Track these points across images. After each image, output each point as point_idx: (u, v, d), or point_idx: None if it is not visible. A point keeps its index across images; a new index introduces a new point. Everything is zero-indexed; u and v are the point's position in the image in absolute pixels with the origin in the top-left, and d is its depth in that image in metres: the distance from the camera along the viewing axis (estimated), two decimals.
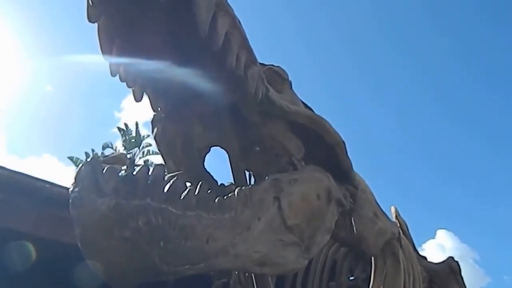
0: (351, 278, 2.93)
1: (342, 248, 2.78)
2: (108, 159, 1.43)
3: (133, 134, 4.66)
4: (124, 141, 4.80)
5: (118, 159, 1.43)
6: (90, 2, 1.10)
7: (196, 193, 1.14)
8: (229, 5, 1.22)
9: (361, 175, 2.40)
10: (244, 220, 1.26)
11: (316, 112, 1.74)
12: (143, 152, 4.56)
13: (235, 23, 1.24)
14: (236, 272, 2.28)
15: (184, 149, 1.68)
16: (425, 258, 3.22)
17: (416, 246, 3.15)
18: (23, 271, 2.90)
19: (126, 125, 4.81)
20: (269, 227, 1.36)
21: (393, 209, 3.30)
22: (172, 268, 1.05)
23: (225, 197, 1.25)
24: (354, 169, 1.85)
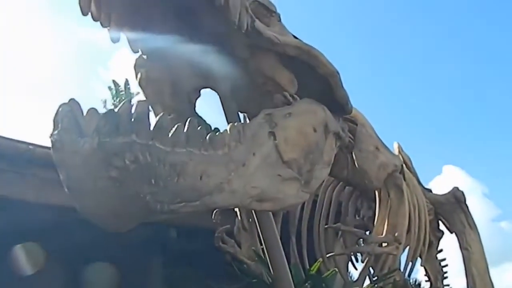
0: (357, 218, 2.95)
1: (347, 189, 2.77)
2: None
3: (124, 91, 4.56)
4: (113, 98, 4.70)
5: None
6: None
7: (185, 130, 1.09)
8: None
9: (359, 110, 2.35)
10: (238, 156, 1.21)
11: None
12: None
13: None
14: (240, 218, 2.28)
15: (172, 94, 1.61)
16: (430, 190, 3.23)
17: (423, 183, 3.15)
18: (12, 239, 2.90)
19: (114, 82, 4.70)
20: (266, 163, 1.31)
21: (395, 144, 3.27)
22: (166, 206, 1.01)
23: (217, 134, 1.20)
24: (353, 104, 1.79)
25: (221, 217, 2.24)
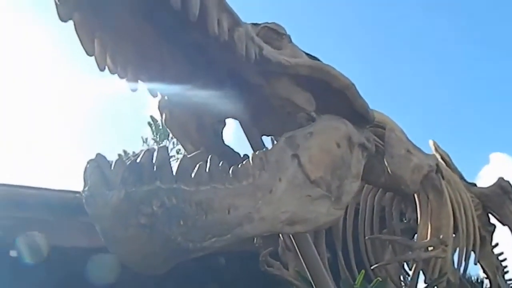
0: (404, 221, 2.88)
1: (388, 194, 2.73)
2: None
3: (161, 126, 4.69)
4: (153, 134, 4.85)
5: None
6: (56, 1, 1.08)
7: (207, 167, 1.13)
8: None
9: (386, 114, 2.33)
10: (264, 183, 1.24)
11: (324, 60, 1.67)
12: (173, 143, 4.59)
13: None
14: (282, 238, 2.29)
15: (197, 129, 1.67)
16: (474, 184, 3.12)
17: (471, 175, 3.05)
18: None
19: (152, 118, 4.84)
20: (293, 185, 1.33)
21: (431, 142, 3.20)
22: (198, 244, 1.05)
23: (239, 166, 1.23)
24: (385, 108, 1.78)
25: (264, 240, 2.26)
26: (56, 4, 1.10)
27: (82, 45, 1.20)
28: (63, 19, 1.12)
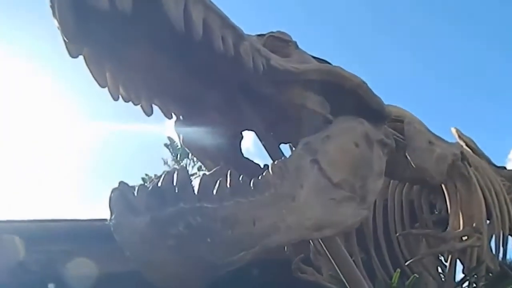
0: (435, 212, 2.83)
1: (415, 186, 2.68)
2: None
3: (179, 145, 4.72)
4: (172, 154, 4.89)
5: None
6: (65, 39, 1.12)
7: (228, 183, 1.14)
8: None
9: (404, 108, 2.30)
10: (285, 192, 1.24)
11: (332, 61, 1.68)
12: (194, 160, 4.62)
13: (208, 7, 1.21)
14: (313, 243, 2.28)
15: (214, 144, 1.68)
16: (504, 168, 3.04)
17: (500, 158, 2.96)
18: None
19: (169, 138, 4.88)
20: (316, 191, 1.33)
21: (453, 130, 3.14)
22: (228, 259, 1.06)
23: (259, 177, 1.24)
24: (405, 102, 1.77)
25: (294, 247, 2.26)
26: (65, 42, 1.13)
27: (94, 78, 1.24)
28: (74, 55, 1.16)
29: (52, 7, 1.08)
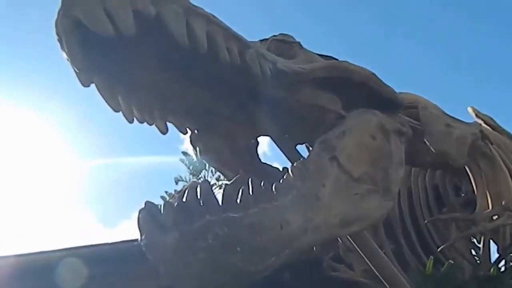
0: (461, 195, 2.79)
1: (438, 171, 2.65)
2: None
3: (194, 159, 4.70)
4: (188, 168, 4.90)
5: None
6: (76, 70, 1.15)
7: (250, 190, 1.15)
8: (196, 6, 1.21)
9: (417, 94, 2.28)
10: (308, 193, 1.25)
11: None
12: (212, 171, 4.62)
13: (210, 20, 1.23)
14: (341, 240, 2.27)
15: (232, 154, 1.69)
16: None
17: None
18: None
19: (184, 153, 4.88)
20: (338, 188, 1.33)
21: (470, 109, 3.09)
22: (260, 265, 1.07)
23: (280, 181, 1.25)
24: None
25: (322, 246, 2.24)
26: (76, 73, 1.16)
27: (107, 103, 1.26)
28: (85, 85, 1.18)
29: (60, 41, 1.11)
